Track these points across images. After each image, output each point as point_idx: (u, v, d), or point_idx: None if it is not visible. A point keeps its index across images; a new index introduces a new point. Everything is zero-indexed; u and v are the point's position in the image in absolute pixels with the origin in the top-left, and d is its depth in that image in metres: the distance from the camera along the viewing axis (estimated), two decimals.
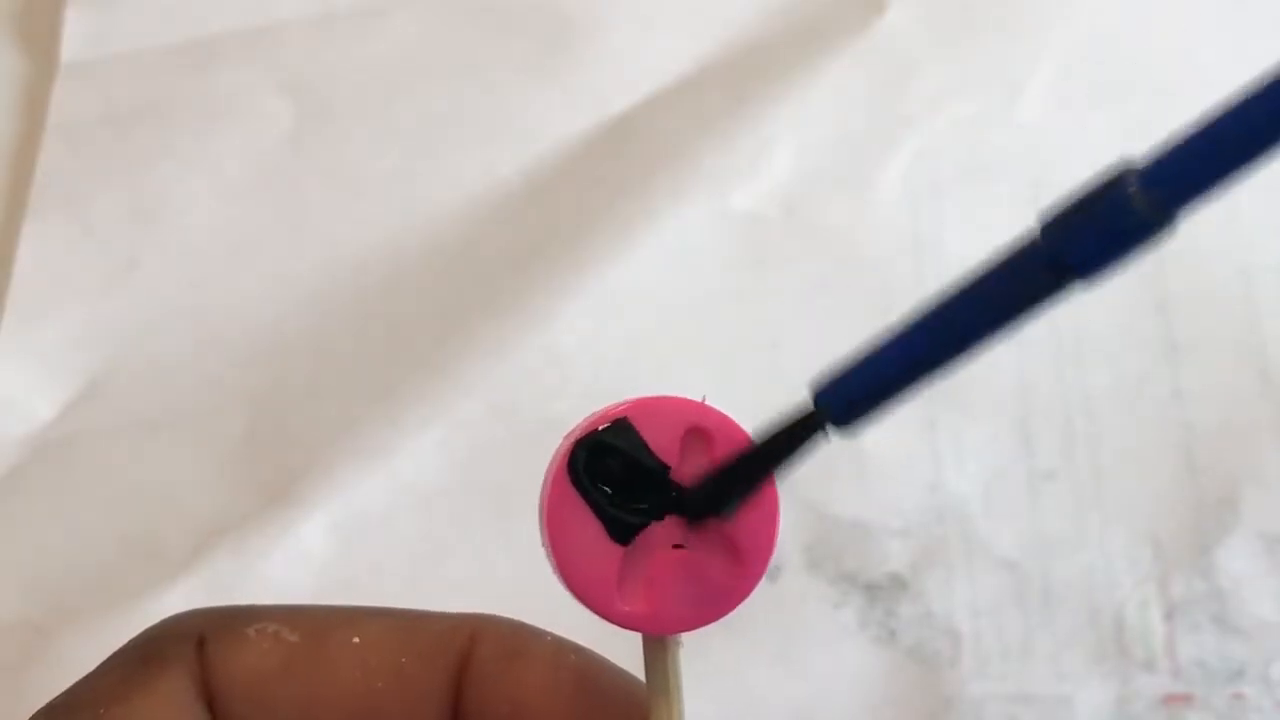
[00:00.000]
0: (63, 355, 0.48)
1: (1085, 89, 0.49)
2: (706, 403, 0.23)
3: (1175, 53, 0.49)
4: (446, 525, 0.45)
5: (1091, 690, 0.40)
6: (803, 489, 0.43)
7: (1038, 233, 0.17)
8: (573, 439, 0.22)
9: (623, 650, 0.25)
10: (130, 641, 0.24)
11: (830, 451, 0.45)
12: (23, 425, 0.47)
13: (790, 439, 0.21)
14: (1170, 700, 0.40)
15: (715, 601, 0.22)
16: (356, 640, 0.24)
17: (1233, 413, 0.44)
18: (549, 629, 0.25)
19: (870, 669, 0.41)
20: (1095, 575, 0.42)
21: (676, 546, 0.22)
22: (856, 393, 0.20)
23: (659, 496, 0.22)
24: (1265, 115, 0.16)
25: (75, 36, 0.54)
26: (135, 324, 0.49)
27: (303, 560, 0.44)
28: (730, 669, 0.41)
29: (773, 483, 0.22)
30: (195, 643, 0.24)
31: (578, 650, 0.25)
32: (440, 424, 0.46)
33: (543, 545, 0.22)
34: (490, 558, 0.44)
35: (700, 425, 0.22)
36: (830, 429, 0.20)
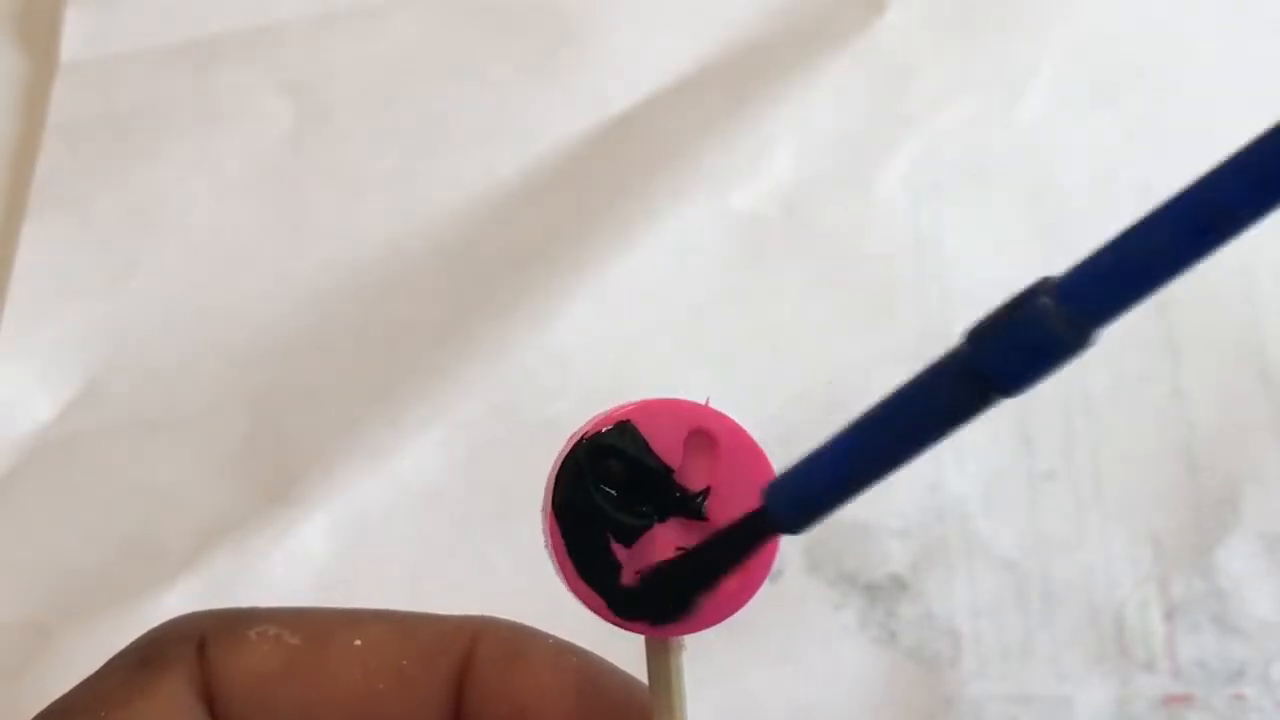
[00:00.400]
0: (63, 355, 0.48)
1: (1085, 89, 0.49)
2: (710, 404, 0.23)
3: (1175, 53, 0.49)
4: (446, 525, 0.44)
5: (1091, 691, 0.40)
6: None
7: (963, 344, 0.17)
8: (575, 440, 0.22)
9: (624, 652, 0.25)
10: (130, 644, 0.24)
11: None
12: (23, 425, 0.47)
13: (741, 540, 0.21)
14: (1170, 701, 0.40)
15: (718, 604, 0.22)
16: (358, 643, 0.24)
17: (1233, 412, 0.44)
18: (550, 630, 0.25)
19: (870, 670, 0.41)
20: (1095, 575, 0.42)
21: (679, 549, 0.22)
22: (800, 497, 0.20)
23: (662, 498, 0.22)
24: (1176, 234, 0.15)
25: (75, 36, 0.54)
26: (135, 324, 0.49)
27: (303, 560, 0.44)
28: (730, 670, 0.41)
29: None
30: (196, 645, 0.24)
31: (579, 652, 0.25)
32: (440, 424, 0.46)
33: (545, 547, 0.22)
34: (490, 558, 0.44)
35: (703, 427, 0.22)
36: (779, 529, 0.20)
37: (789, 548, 0.43)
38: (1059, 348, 0.17)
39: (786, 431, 0.44)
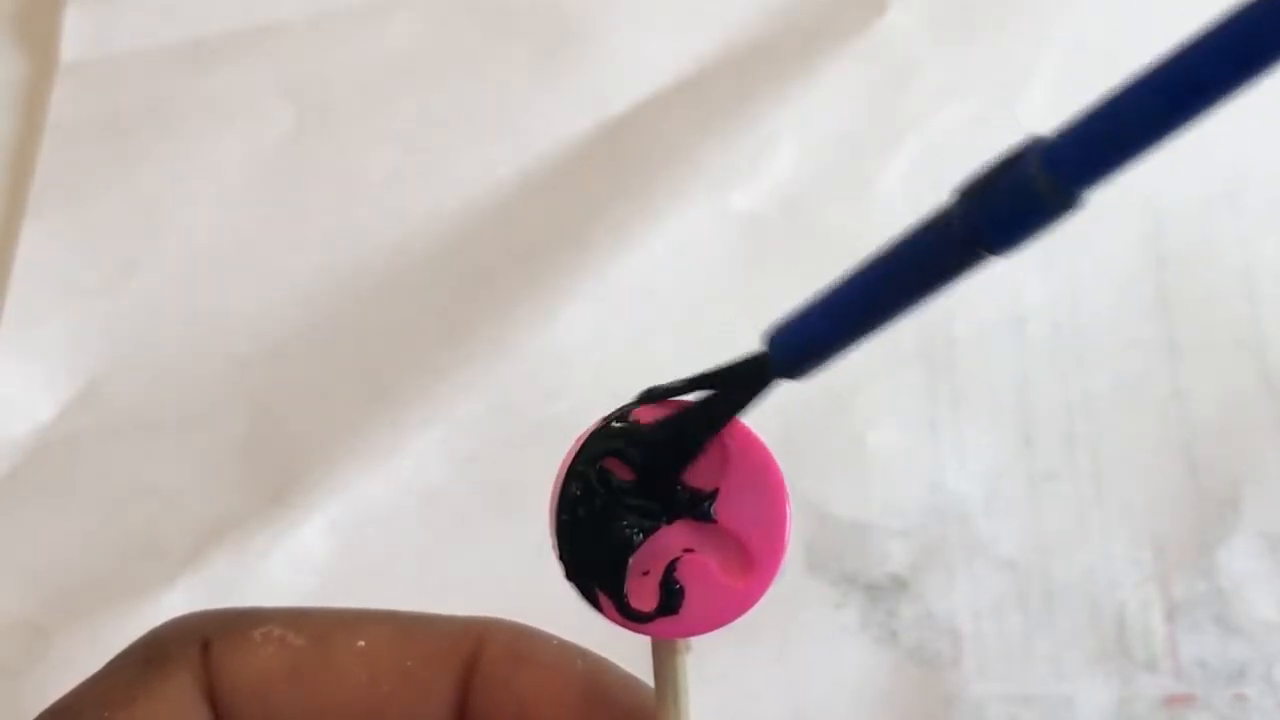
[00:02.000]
0: (63, 355, 0.48)
1: (1086, 88, 0.49)
2: None
3: None
4: (448, 525, 0.44)
5: (1093, 691, 0.40)
6: (804, 489, 0.43)
7: (954, 202, 0.18)
8: (583, 440, 0.22)
9: (630, 654, 0.25)
10: (133, 644, 0.24)
11: (831, 451, 0.45)
12: (23, 425, 0.47)
13: (742, 385, 0.21)
14: (1172, 701, 0.40)
15: (725, 606, 0.22)
16: (362, 644, 0.24)
17: (1234, 412, 0.44)
18: (554, 630, 0.25)
19: (871, 670, 0.41)
20: (1096, 575, 0.42)
21: (687, 550, 0.22)
22: (799, 342, 0.20)
23: (670, 500, 0.22)
24: (1158, 101, 0.16)
25: (75, 36, 0.54)
26: (135, 324, 0.49)
27: (303, 560, 0.44)
28: (731, 670, 0.41)
29: (782, 486, 0.22)
30: (200, 646, 0.24)
31: (584, 654, 0.25)
32: (440, 424, 0.46)
33: (552, 546, 0.22)
34: (491, 557, 0.44)
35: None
36: (778, 375, 0.21)
37: (789, 547, 0.43)
38: (1046, 211, 0.17)
39: (787, 431, 0.44)
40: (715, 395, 0.22)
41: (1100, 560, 0.42)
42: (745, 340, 0.49)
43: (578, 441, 0.22)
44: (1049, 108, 0.49)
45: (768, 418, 0.43)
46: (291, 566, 0.44)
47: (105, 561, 0.45)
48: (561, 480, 0.22)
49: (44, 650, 0.43)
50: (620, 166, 0.49)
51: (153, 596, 0.43)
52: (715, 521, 0.22)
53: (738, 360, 0.21)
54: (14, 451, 0.47)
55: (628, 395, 0.23)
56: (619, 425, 0.22)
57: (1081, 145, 0.16)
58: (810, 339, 0.20)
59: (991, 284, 0.46)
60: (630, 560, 0.22)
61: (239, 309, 0.49)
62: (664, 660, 0.22)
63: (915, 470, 0.44)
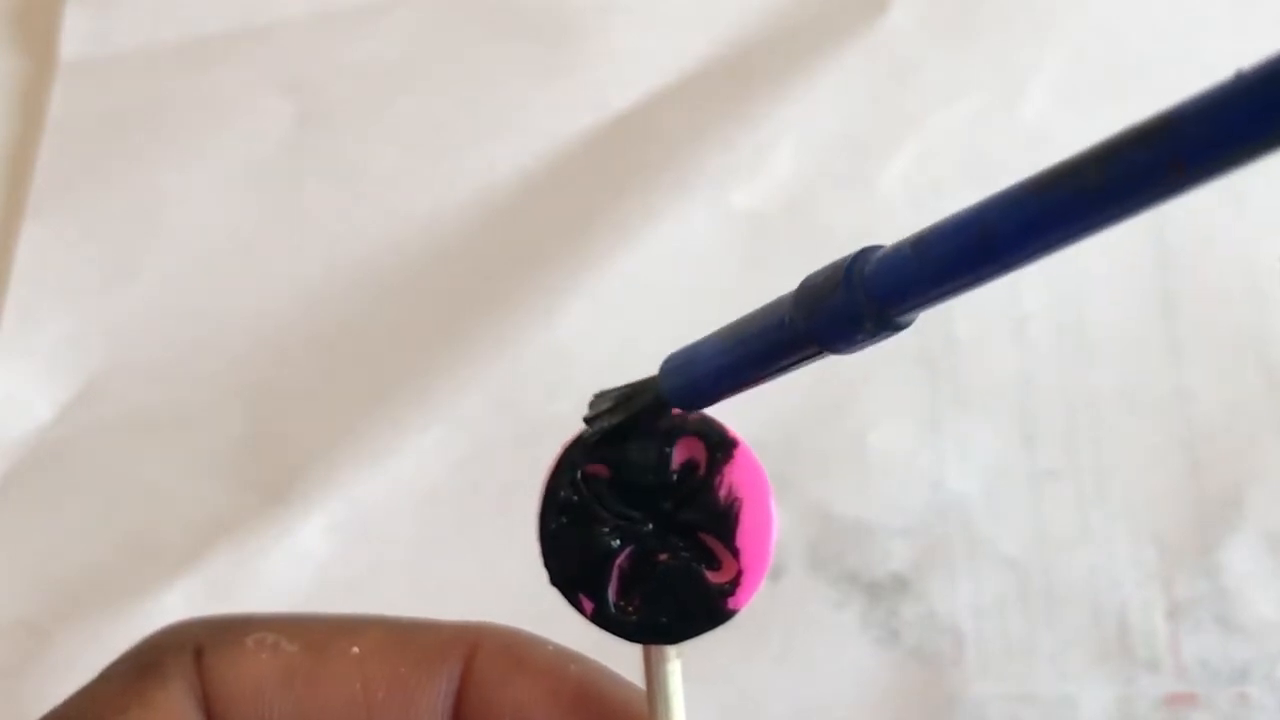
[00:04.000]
0: (62, 355, 0.48)
1: (1088, 87, 0.49)
2: (704, 410, 0.22)
3: (1178, 51, 0.49)
4: (447, 525, 0.44)
5: (1095, 690, 0.40)
6: (805, 488, 0.43)
7: (792, 306, 0.19)
8: (567, 445, 0.22)
9: (626, 658, 0.25)
10: (126, 652, 0.24)
11: (832, 451, 0.45)
12: (22, 425, 0.47)
13: (640, 406, 0.22)
14: (1173, 700, 0.40)
15: (710, 612, 0.22)
16: (356, 650, 0.24)
17: (1236, 411, 0.43)
18: (551, 633, 0.25)
19: (873, 669, 0.41)
20: (1098, 575, 0.42)
21: (673, 554, 0.22)
22: (685, 381, 0.21)
23: (653, 506, 0.22)
24: (965, 247, 0.16)
25: (75, 35, 0.54)
26: (134, 324, 0.49)
27: (302, 560, 0.44)
28: (732, 669, 0.41)
29: (767, 491, 0.22)
30: (193, 653, 0.24)
31: (578, 659, 0.25)
32: (441, 423, 0.46)
33: (539, 552, 0.22)
34: (491, 558, 0.44)
35: (697, 432, 0.22)
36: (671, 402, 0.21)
37: (791, 546, 0.43)
38: (873, 332, 0.17)
39: (787, 431, 0.44)
40: (613, 410, 0.22)
41: (1102, 559, 0.42)
42: None
43: (562, 447, 0.22)
44: (1051, 106, 0.49)
45: (768, 418, 0.43)
46: (290, 566, 0.44)
47: (104, 561, 0.45)
48: (544, 488, 0.22)
49: (43, 650, 0.43)
50: (620, 166, 0.49)
51: (152, 596, 0.43)
52: (700, 527, 0.22)
53: (645, 381, 0.22)
54: (13, 451, 0.47)
55: None
56: (598, 433, 0.22)
57: (900, 279, 0.17)
58: (693, 381, 0.21)
59: (992, 284, 0.46)
60: (614, 567, 0.22)
61: (238, 309, 0.49)
62: (654, 665, 0.22)
63: (917, 469, 0.43)
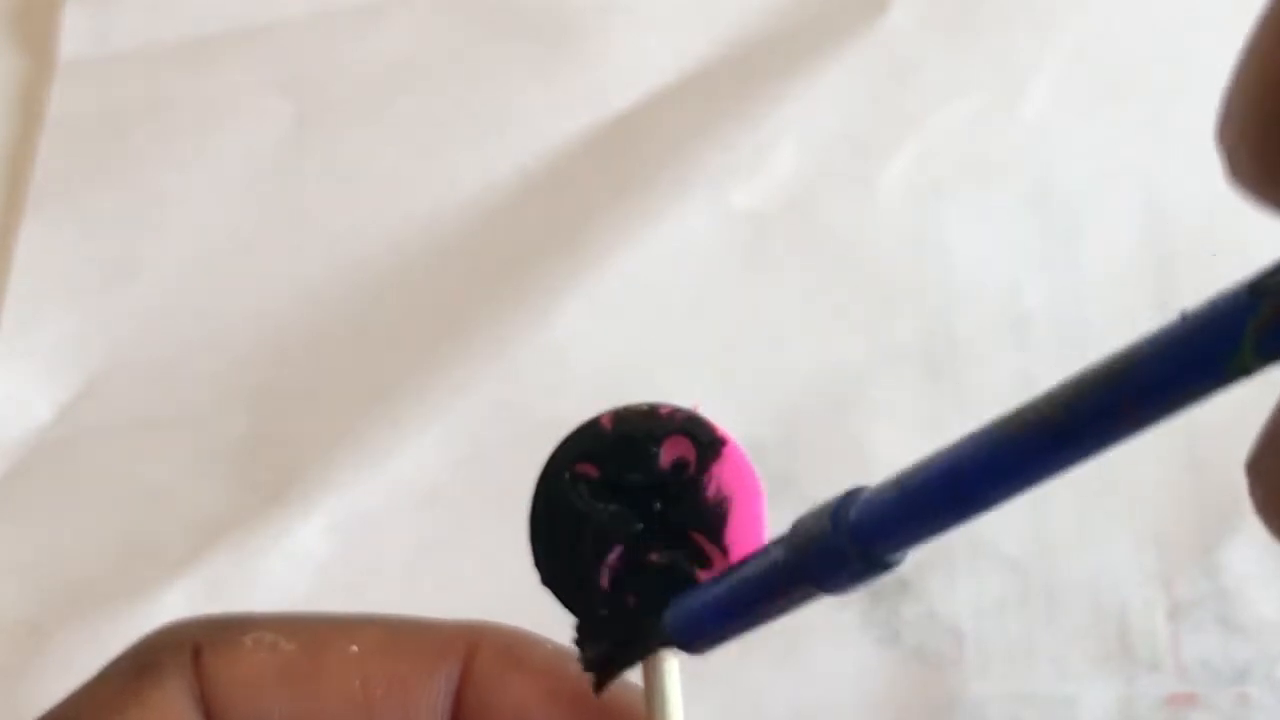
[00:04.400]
0: (62, 355, 0.48)
1: (1089, 87, 0.49)
2: (698, 409, 0.22)
3: (1179, 51, 0.49)
4: (446, 525, 0.44)
5: (1095, 690, 0.40)
6: (805, 488, 0.43)
7: (785, 545, 0.19)
8: (554, 449, 0.22)
9: None
10: (124, 651, 0.24)
11: (832, 451, 0.45)
12: (22, 425, 0.47)
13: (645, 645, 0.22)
14: (1174, 700, 0.40)
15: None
16: (354, 649, 0.24)
17: (1238, 411, 0.43)
18: (551, 633, 0.25)
19: (873, 670, 0.41)
20: (1099, 575, 0.42)
21: (664, 555, 0.22)
22: (692, 625, 0.22)
23: (645, 503, 0.22)
24: (940, 498, 0.17)
25: (74, 35, 0.54)
26: (134, 324, 0.49)
27: (302, 560, 0.44)
28: (731, 670, 0.41)
29: (759, 492, 0.22)
30: (191, 652, 0.24)
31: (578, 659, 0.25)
32: (440, 424, 0.46)
33: (531, 554, 0.22)
34: (490, 558, 0.43)
35: (686, 431, 0.22)
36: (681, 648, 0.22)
37: None
38: (860, 574, 0.18)
39: (787, 431, 0.44)
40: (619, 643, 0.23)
41: (1103, 560, 0.42)
42: (745, 340, 0.48)
43: (552, 450, 0.22)
44: (1051, 106, 0.49)
45: (768, 418, 0.43)
46: (290, 566, 0.44)
47: (104, 561, 0.45)
48: (535, 489, 0.22)
49: (42, 650, 0.43)
50: (620, 165, 0.49)
51: (151, 596, 0.43)
52: (690, 526, 0.22)
53: (643, 627, 0.22)
54: (13, 451, 0.47)
55: (628, 394, 0.23)
56: (589, 433, 0.22)
57: (883, 521, 0.18)
58: (699, 623, 0.21)
59: (992, 284, 0.46)
60: (604, 568, 0.22)
61: (238, 309, 0.49)
62: (650, 667, 0.22)
63: None
